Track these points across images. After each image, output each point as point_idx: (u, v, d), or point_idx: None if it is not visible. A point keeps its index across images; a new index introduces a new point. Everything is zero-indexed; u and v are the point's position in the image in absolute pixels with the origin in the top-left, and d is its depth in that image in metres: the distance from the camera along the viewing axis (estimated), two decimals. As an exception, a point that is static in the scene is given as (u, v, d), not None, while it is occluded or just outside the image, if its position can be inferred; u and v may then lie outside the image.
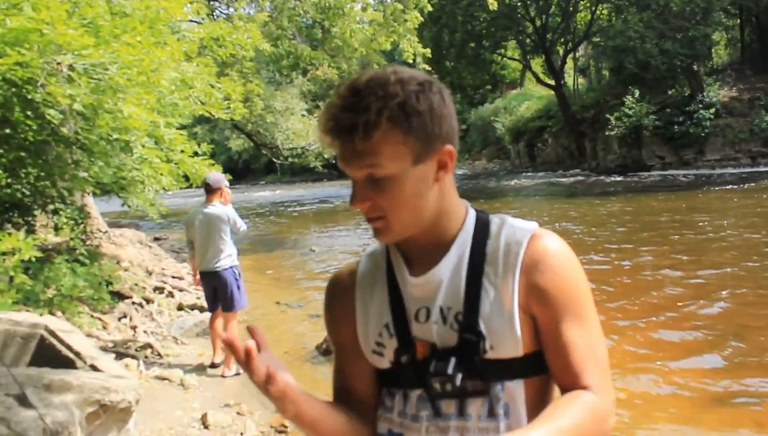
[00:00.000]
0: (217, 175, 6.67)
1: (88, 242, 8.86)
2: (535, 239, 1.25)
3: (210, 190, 6.39)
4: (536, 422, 1.11)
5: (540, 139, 44.15)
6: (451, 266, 1.27)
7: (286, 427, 5.08)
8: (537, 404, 1.24)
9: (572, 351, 1.20)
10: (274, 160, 24.49)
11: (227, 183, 6.50)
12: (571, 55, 44.92)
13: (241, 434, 4.97)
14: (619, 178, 29.99)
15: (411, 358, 1.28)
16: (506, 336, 1.21)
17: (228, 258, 6.30)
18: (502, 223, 1.29)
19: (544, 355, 1.24)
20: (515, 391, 1.23)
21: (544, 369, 1.25)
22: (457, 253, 1.27)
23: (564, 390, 1.20)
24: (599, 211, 18.00)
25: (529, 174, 39.51)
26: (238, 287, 6.38)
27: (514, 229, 1.27)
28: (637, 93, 31.19)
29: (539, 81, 44.66)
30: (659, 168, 31.66)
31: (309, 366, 6.74)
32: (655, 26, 30.75)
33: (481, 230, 1.29)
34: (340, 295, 1.42)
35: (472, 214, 1.32)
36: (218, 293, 6.39)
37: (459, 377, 1.21)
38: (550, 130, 42.45)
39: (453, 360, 1.22)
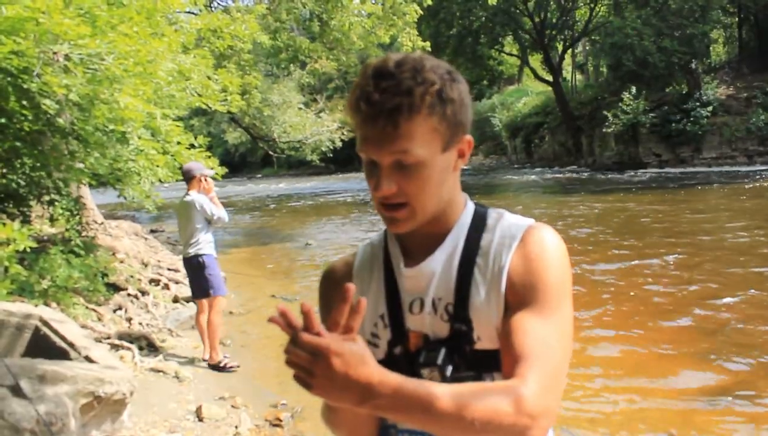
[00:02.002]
0: (193, 163, 6.68)
1: (83, 234, 8.83)
2: (530, 232, 1.25)
3: (186, 178, 6.40)
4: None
5: (537, 136, 44.23)
6: (445, 257, 1.27)
7: (280, 420, 5.08)
8: None
9: (521, 338, 1.14)
10: (270, 153, 24.45)
11: (207, 172, 6.44)
12: (569, 52, 45.01)
13: (236, 427, 4.96)
14: (615, 175, 30.02)
15: (404, 349, 1.29)
16: (493, 328, 1.21)
17: (196, 246, 6.31)
18: (499, 217, 1.30)
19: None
20: None
21: None
22: (452, 244, 1.27)
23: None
24: (594, 208, 18.01)
25: (526, 170, 39.55)
26: (210, 275, 6.38)
27: (510, 224, 1.27)
28: (634, 90, 31.21)
29: (537, 77, 44.72)
30: (656, 165, 31.72)
31: (304, 359, 6.73)
32: (653, 24, 30.81)
33: (478, 223, 1.29)
34: (336, 285, 1.36)
35: (470, 207, 1.32)
36: (190, 279, 6.50)
37: (449, 368, 1.21)
38: (548, 126, 42.53)
39: (443, 351, 1.22)
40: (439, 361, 1.20)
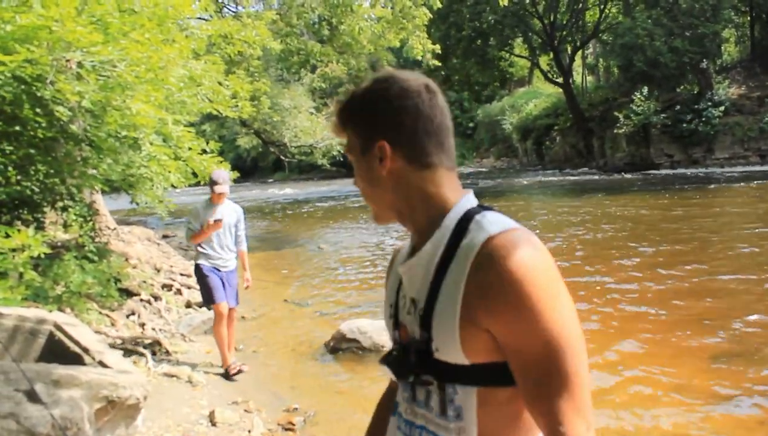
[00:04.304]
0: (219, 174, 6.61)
1: (96, 239, 8.89)
2: (489, 243, 1.15)
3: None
4: None
5: (548, 138, 44.14)
6: (425, 259, 1.27)
7: (293, 424, 5.09)
8: (498, 418, 1.20)
9: (524, 370, 1.14)
10: (282, 157, 24.52)
11: (213, 179, 6.38)
12: (579, 53, 44.89)
13: (249, 431, 4.98)
14: (627, 176, 29.89)
15: (395, 341, 1.37)
16: (450, 341, 1.18)
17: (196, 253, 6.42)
18: (479, 220, 1.22)
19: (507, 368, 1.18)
20: (467, 397, 1.20)
21: (508, 382, 1.17)
22: (432, 247, 1.26)
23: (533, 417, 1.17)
24: (608, 210, 17.93)
25: (537, 172, 39.44)
26: (201, 284, 6.43)
27: (480, 229, 1.19)
28: (645, 91, 31.11)
29: (547, 79, 44.69)
30: (668, 166, 31.63)
31: (316, 364, 6.75)
32: (664, 24, 30.69)
33: (463, 225, 1.24)
34: (389, 268, 1.53)
35: (459, 210, 1.27)
36: None
37: (411, 370, 1.27)
38: (559, 128, 42.41)
39: (412, 353, 1.26)
40: (406, 361, 1.27)
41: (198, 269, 6.39)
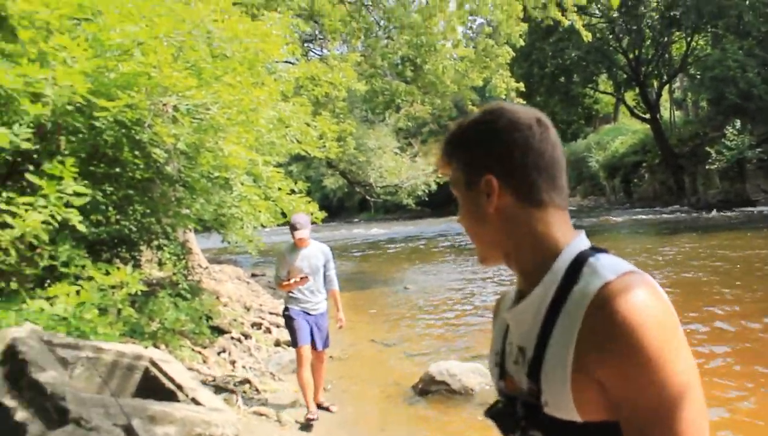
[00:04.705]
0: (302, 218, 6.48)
1: (189, 278, 9.12)
2: (605, 289, 1.07)
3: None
4: None
5: (636, 175, 43.03)
6: (534, 305, 1.19)
7: (383, 465, 5.02)
8: None
9: (637, 426, 1.05)
10: (367, 197, 24.75)
11: (293, 224, 6.25)
12: (666, 88, 43.82)
13: (338, 471, 4.93)
14: (721, 214, 28.71)
15: (500, 391, 1.30)
16: (561, 396, 1.10)
17: None
18: (593, 264, 1.15)
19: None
20: None
21: None
22: (541, 293, 1.18)
23: None
24: (701, 250, 17.18)
25: (626, 210, 38.40)
26: (288, 327, 6.39)
27: (594, 274, 1.12)
28: (738, 124, 30.03)
29: (634, 115, 43.78)
30: (764, 203, 30.22)
31: (405, 406, 6.65)
32: (756, 54, 29.68)
33: (576, 269, 1.16)
34: (494, 314, 1.46)
35: (570, 252, 1.19)
36: None
37: (518, 425, 1.20)
38: (647, 164, 41.32)
39: (519, 405, 1.19)
40: (514, 416, 1.20)
41: (287, 312, 6.35)
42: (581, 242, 1.22)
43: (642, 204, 40.21)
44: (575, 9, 17.56)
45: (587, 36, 17.29)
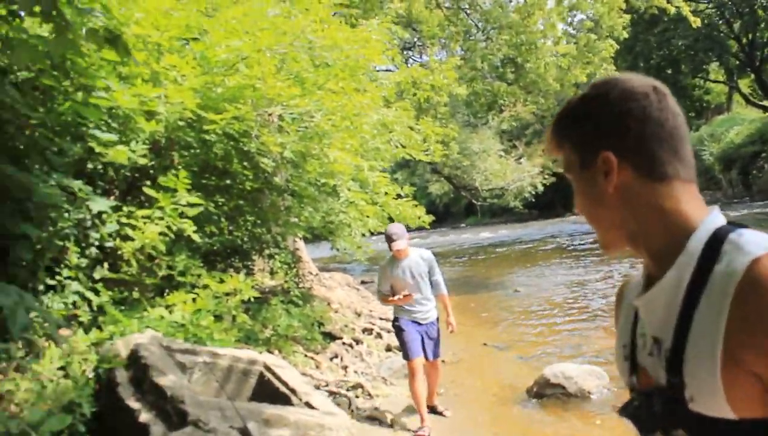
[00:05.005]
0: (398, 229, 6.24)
1: (300, 285, 9.28)
2: (755, 266, 0.95)
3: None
4: None
5: (755, 166, 40.73)
6: (668, 289, 1.07)
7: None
8: None
9: None
10: (473, 201, 24.59)
11: (389, 236, 6.02)
12: (787, 72, 41.46)
13: (453, 475, 4.87)
14: None
15: (632, 387, 1.19)
16: (710, 390, 0.98)
17: None
18: (735, 240, 1.02)
19: None
20: None
21: None
22: (676, 276, 1.06)
23: None
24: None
25: (746, 204, 36.44)
26: (399, 339, 6.21)
27: (738, 251, 0.99)
28: None
29: (750, 102, 41.55)
30: None
31: (519, 410, 6.51)
32: None
33: (714, 248, 1.03)
34: (617, 303, 1.36)
35: (706, 229, 1.07)
36: None
37: (659, 424, 1.08)
38: (766, 155, 39.08)
39: (658, 402, 1.07)
40: (650, 412, 1.08)
41: (396, 323, 6.20)
42: (717, 218, 1.09)
43: (762, 197, 37.96)
44: (681, -5, 16.89)
45: (695, 22, 16.53)
